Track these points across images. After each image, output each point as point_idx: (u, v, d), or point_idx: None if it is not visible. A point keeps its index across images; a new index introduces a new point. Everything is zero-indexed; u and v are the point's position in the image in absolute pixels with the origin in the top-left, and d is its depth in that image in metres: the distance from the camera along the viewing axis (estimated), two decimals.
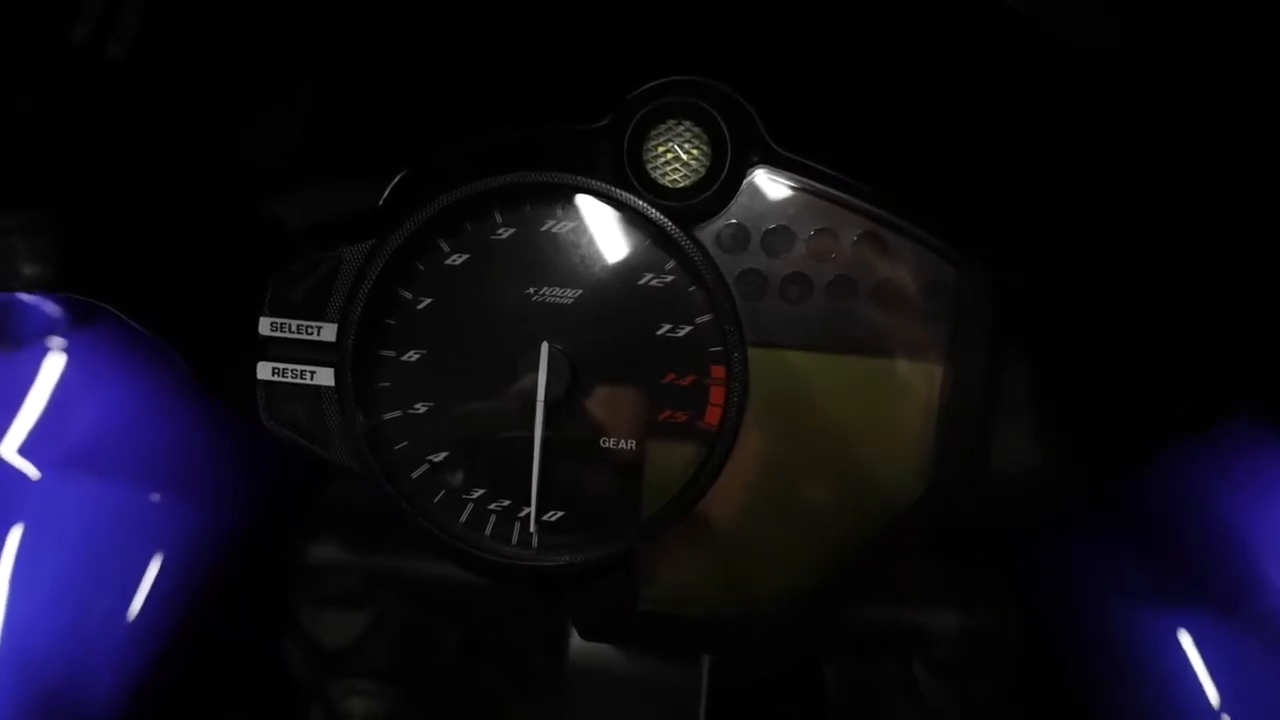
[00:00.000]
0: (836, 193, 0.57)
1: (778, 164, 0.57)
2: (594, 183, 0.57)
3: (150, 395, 0.74)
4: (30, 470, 0.67)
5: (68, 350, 0.70)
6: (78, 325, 0.71)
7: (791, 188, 0.57)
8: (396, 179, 0.60)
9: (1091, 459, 0.62)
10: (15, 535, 0.65)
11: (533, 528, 0.60)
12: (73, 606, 0.65)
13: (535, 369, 0.58)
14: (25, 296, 0.71)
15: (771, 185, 0.58)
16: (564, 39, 0.59)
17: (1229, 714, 0.61)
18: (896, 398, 0.59)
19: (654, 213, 0.57)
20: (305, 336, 0.58)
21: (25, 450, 0.67)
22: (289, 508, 0.86)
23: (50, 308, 0.72)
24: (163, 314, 0.59)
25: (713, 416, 0.59)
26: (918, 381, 0.59)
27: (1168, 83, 0.44)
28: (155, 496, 0.72)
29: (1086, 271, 0.58)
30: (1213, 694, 0.62)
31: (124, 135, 0.54)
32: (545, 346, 0.58)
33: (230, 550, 0.78)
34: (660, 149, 0.58)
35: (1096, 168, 0.54)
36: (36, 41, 0.45)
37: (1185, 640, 0.65)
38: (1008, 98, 0.54)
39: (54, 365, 0.70)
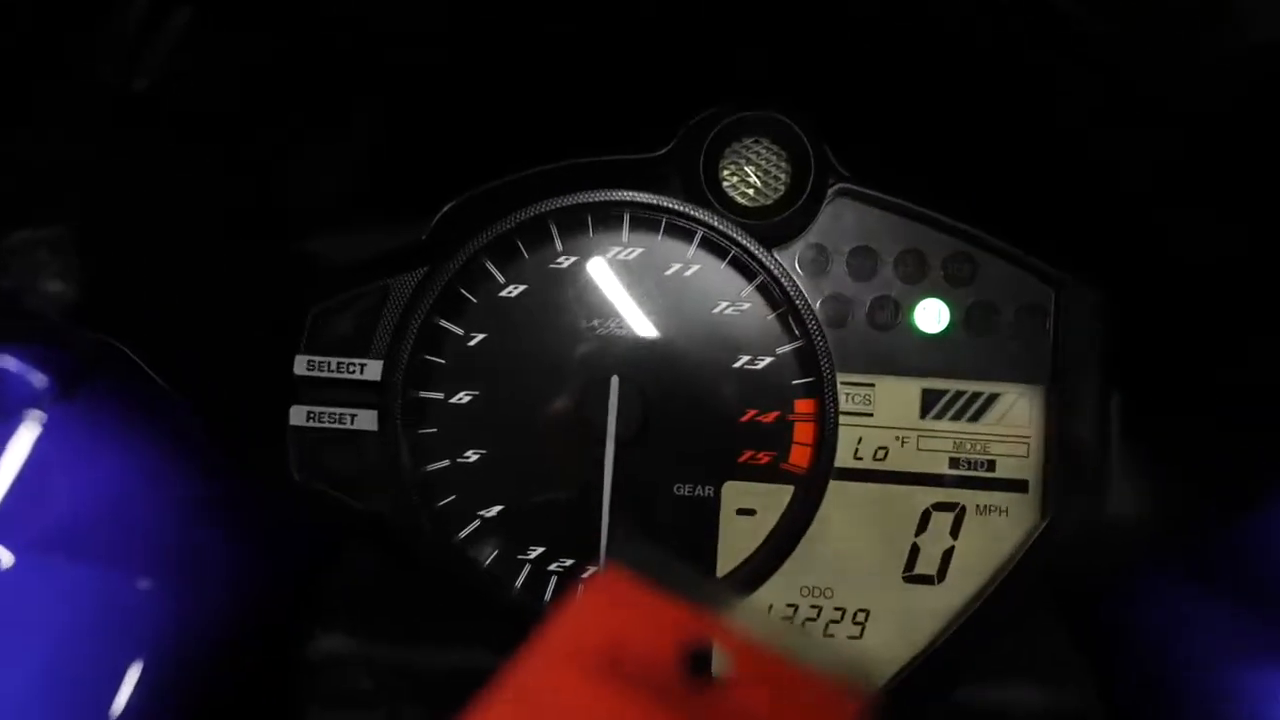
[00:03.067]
0: (924, 210, 0.54)
1: (861, 182, 0.54)
2: (665, 200, 0.53)
3: (144, 469, 0.66)
4: (3, 555, 0.59)
5: (52, 422, 0.63)
6: (65, 393, 0.64)
7: (876, 206, 0.54)
8: (447, 207, 0.55)
9: (1206, 502, 0.57)
10: None
11: None
12: (53, 704, 0.56)
13: (603, 407, 0.52)
14: (9, 363, 0.64)
15: (854, 204, 0.54)
16: (626, 70, 0.56)
17: None
18: (999, 428, 0.54)
19: (736, 231, 0.52)
20: (346, 375, 0.52)
21: None
22: (296, 594, 0.78)
23: (36, 376, 0.65)
24: (182, 356, 0.53)
25: (800, 456, 0.53)
26: (1019, 410, 0.54)
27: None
28: (147, 581, 0.64)
29: (1194, 294, 0.55)
30: None
31: (160, 169, 0.49)
32: (615, 382, 0.52)
33: (230, 639, 0.69)
34: (735, 167, 0.54)
35: (1199, 176, 0.51)
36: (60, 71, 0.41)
37: None
38: (1093, 118, 0.52)
39: (35, 438, 0.63)
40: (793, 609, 0.54)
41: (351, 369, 0.52)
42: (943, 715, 0.73)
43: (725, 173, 0.54)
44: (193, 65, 0.46)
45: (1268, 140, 0.44)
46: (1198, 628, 0.68)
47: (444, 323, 0.54)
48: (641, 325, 0.54)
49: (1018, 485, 0.54)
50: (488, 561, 0.54)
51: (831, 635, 0.54)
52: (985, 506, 0.54)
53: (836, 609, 0.54)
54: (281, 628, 0.76)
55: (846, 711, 0.26)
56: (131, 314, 0.49)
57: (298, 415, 0.52)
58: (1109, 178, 0.54)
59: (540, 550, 0.54)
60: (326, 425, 0.52)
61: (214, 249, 0.53)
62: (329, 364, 0.52)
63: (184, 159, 0.50)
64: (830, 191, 0.54)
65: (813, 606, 0.54)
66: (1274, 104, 0.42)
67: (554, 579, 0.54)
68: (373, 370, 0.52)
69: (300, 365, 0.52)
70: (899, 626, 0.54)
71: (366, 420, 0.52)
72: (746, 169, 0.54)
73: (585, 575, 0.53)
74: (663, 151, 0.55)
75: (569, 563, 0.54)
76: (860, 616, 0.54)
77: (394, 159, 0.58)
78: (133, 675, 0.60)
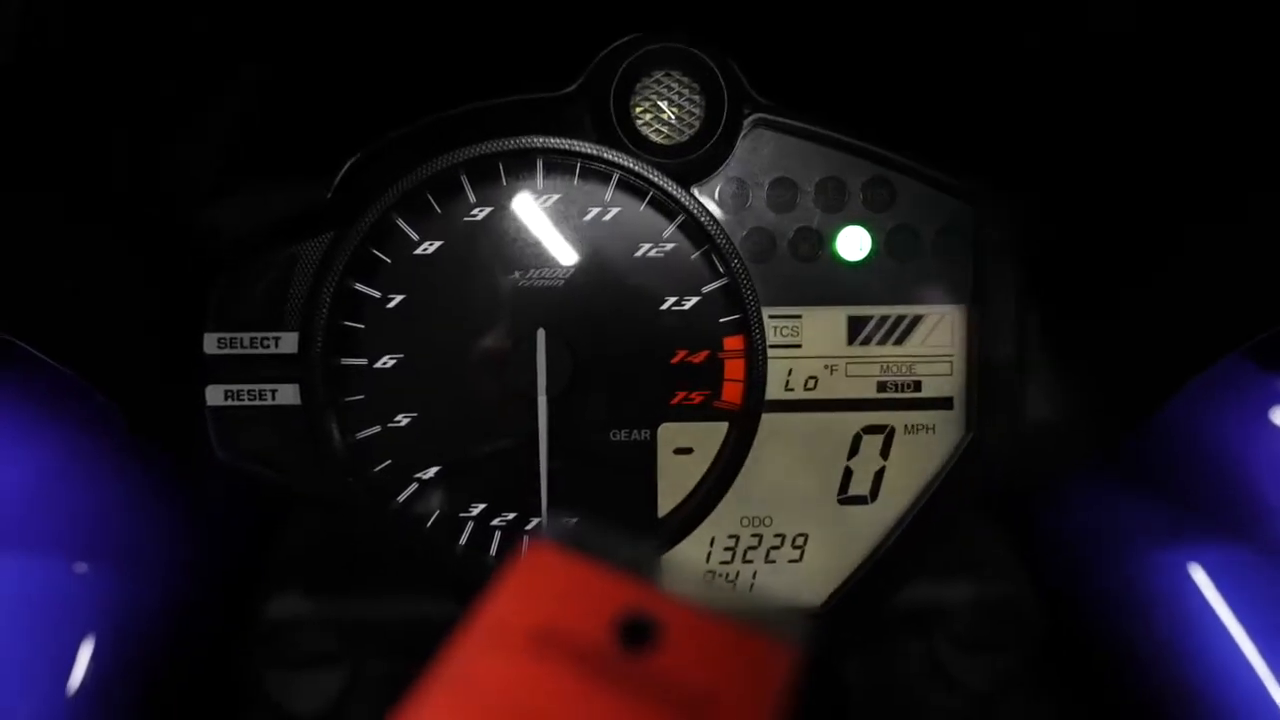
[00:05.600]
0: (840, 137, 0.53)
1: (776, 111, 0.53)
2: (579, 144, 0.51)
3: (68, 452, 0.64)
4: None
5: None
6: None
7: (794, 135, 0.53)
8: (349, 163, 0.52)
9: (1116, 406, 0.60)
10: None
11: None
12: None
13: (531, 361, 0.52)
14: None
15: (772, 135, 0.53)
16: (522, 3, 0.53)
17: (1257, 643, 0.59)
18: (924, 349, 0.55)
19: (652, 172, 0.51)
20: (261, 350, 0.50)
21: None
22: (244, 560, 0.77)
23: None
24: (84, 345, 0.50)
25: (732, 393, 0.54)
26: (942, 330, 0.55)
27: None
28: (84, 566, 0.62)
29: (1098, 205, 0.56)
30: (1238, 626, 0.60)
31: (26, 144, 0.45)
32: (541, 335, 0.52)
33: (179, 615, 0.68)
34: (649, 103, 0.52)
35: (1100, 95, 0.51)
36: None
37: (1205, 577, 0.63)
38: (1000, 35, 0.52)
39: None
40: (734, 539, 0.56)
41: (266, 343, 0.50)
42: (887, 617, 0.77)
43: (638, 110, 0.52)
44: (50, 29, 0.42)
45: (1167, 55, 0.44)
46: (1116, 518, 0.72)
47: (359, 286, 0.52)
48: (564, 274, 0.53)
49: (943, 403, 0.56)
50: (429, 523, 0.54)
51: (773, 561, 0.56)
52: (913, 426, 0.55)
53: (777, 535, 0.56)
54: (234, 597, 0.76)
55: (780, 664, 0.27)
56: (19, 308, 0.46)
57: (215, 395, 0.51)
58: (1025, 91, 0.54)
59: (482, 507, 0.54)
60: (247, 403, 0.51)
61: (103, 230, 0.50)
62: (241, 340, 0.50)
63: (58, 135, 0.47)
64: (746, 123, 0.53)
65: (754, 535, 0.56)
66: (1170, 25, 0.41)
67: (498, 534, 0.54)
68: (288, 342, 0.50)
69: (210, 344, 0.50)
70: (837, 546, 0.56)
71: (288, 394, 0.51)
72: (660, 104, 0.53)
73: (525, 533, 0.54)
74: (571, 89, 0.53)
75: (511, 516, 0.54)
76: (799, 540, 0.56)
77: (287, 114, 0.55)
78: (81, 659, 0.59)
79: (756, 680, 0.27)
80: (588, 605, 0.27)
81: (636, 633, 0.27)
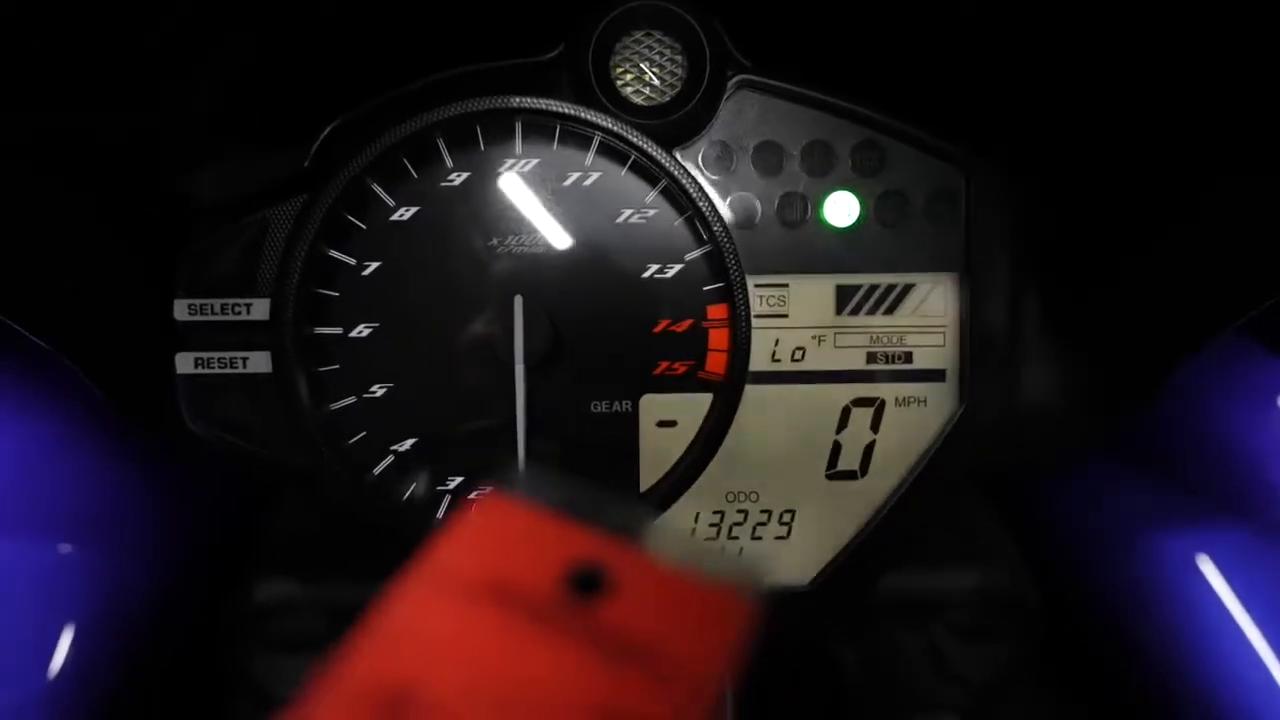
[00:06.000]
0: (829, 99, 0.51)
1: (760, 72, 0.51)
2: (557, 104, 0.50)
3: (48, 434, 0.63)
4: None
5: None
6: None
7: (780, 98, 0.52)
8: (327, 130, 0.51)
9: (1111, 387, 0.58)
10: None
11: None
12: None
13: (508, 330, 0.50)
14: None
15: (757, 96, 0.52)
16: None
17: (1260, 626, 0.57)
18: (915, 319, 0.53)
19: (633, 134, 0.50)
20: (232, 317, 0.49)
21: None
22: (230, 544, 0.76)
23: None
24: (56, 315, 0.49)
25: (716, 364, 0.52)
26: (934, 300, 0.53)
27: None
28: (67, 549, 0.61)
29: (1093, 176, 0.54)
30: (1241, 610, 0.58)
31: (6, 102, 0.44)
32: (519, 301, 0.50)
33: (165, 599, 0.67)
34: (630, 64, 0.51)
35: (1094, 63, 0.49)
36: None
37: (1209, 562, 0.61)
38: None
39: None
40: (720, 515, 0.54)
41: (237, 309, 0.49)
42: (882, 603, 0.75)
43: (618, 70, 0.51)
44: None
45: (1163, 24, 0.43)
46: (1113, 501, 0.70)
47: (333, 253, 0.51)
48: (543, 241, 0.51)
49: (935, 375, 0.54)
50: (405, 496, 0.52)
51: (760, 537, 0.54)
52: (904, 398, 0.54)
53: (763, 511, 0.54)
54: (220, 577, 0.75)
55: (735, 616, 0.25)
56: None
57: (185, 362, 0.49)
58: (1020, 54, 0.52)
59: (459, 480, 0.53)
60: (217, 371, 0.49)
61: (74, 197, 0.49)
62: (212, 306, 0.49)
63: (33, 102, 0.46)
64: (730, 84, 0.51)
65: (739, 511, 0.54)
66: None
67: None
68: (260, 309, 0.49)
69: (180, 310, 0.49)
70: (825, 522, 0.54)
71: (260, 362, 0.50)
72: (642, 65, 0.51)
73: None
74: (552, 55, 0.52)
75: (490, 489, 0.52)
76: (786, 517, 0.54)
77: (265, 81, 0.54)
78: (64, 644, 0.58)
79: (708, 632, 0.25)
80: (538, 553, 0.26)
81: (587, 582, 0.26)
